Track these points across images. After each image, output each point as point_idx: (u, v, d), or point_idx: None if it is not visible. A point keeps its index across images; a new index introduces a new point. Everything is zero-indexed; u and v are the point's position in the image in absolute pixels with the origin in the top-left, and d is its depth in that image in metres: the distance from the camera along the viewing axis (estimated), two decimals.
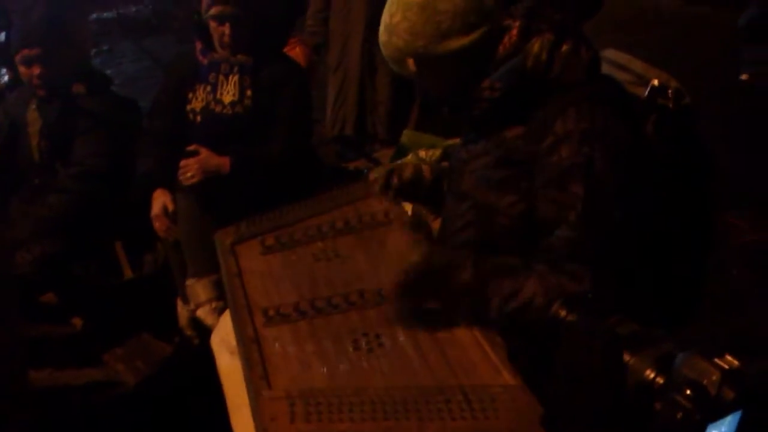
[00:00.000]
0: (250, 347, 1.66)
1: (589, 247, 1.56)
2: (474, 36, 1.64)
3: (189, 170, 2.89)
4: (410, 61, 1.69)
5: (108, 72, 4.37)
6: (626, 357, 1.10)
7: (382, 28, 1.72)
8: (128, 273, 3.22)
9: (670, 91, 1.70)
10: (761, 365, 1.04)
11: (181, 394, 2.78)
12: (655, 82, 1.71)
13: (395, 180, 2.01)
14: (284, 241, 2.07)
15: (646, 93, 1.71)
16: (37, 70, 3.01)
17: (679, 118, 1.71)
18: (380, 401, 1.44)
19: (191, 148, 2.92)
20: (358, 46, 4.39)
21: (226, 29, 2.86)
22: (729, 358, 1.01)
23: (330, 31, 4.49)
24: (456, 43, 1.64)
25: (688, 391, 0.99)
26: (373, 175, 2.27)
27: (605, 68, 1.76)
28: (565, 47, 1.63)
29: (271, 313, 1.76)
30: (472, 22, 1.63)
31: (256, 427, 1.45)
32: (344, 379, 1.53)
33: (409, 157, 2.92)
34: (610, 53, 1.85)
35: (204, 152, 2.90)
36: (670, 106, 1.70)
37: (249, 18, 2.88)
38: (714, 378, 0.99)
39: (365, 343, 1.63)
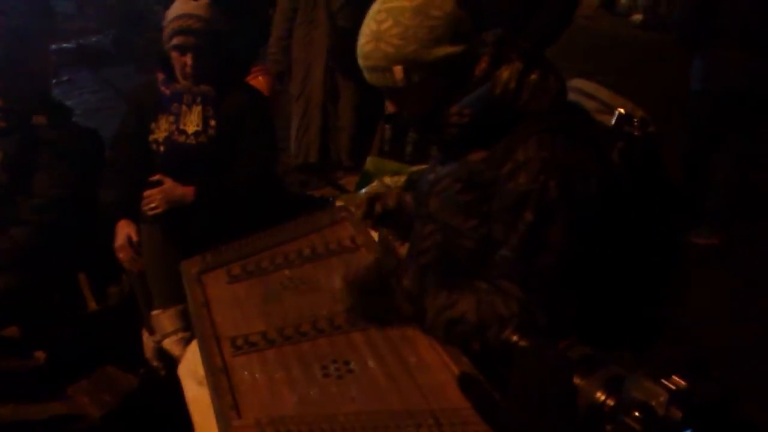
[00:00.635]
0: (219, 377, 1.66)
1: (524, 269, 1.61)
2: (461, 47, 1.66)
3: (153, 201, 2.88)
4: (397, 69, 1.66)
5: (68, 103, 4.35)
6: (577, 380, 1.12)
7: (365, 38, 1.69)
8: (92, 305, 3.19)
9: (636, 120, 1.75)
10: (710, 385, 1.06)
11: (149, 425, 2.75)
12: (622, 110, 1.75)
13: (378, 208, 2.04)
14: (251, 269, 2.07)
15: (613, 121, 1.75)
16: None
17: (645, 145, 1.76)
18: (351, 427, 1.45)
19: (155, 178, 2.92)
20: (321, 74, 4.42)
21: (188, 60, 2.86)
22: (676, 378, 1.03)
23: (292, 59, 4.52)
24: (447, 49, 1.65)
25: (637, 413, 1.02)
26: (340, 202, 2.29)
27: (573, 96, 1.80)
28: (533, 76, 1.67)
29: (239, 342, 1.76)
30: (460, 32, 1.66)
31: None
32: (314, 405, 1.53)
33: (375, 183, 2.94)
34: (577, 82, 1.90)
35: (168, 182, 2.89)
36: (636, 134, 1.75)
37: (211, 48, 2.89)
38: (661, 399, 1.02)
39: (334, 370, 1.64)
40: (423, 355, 1.66)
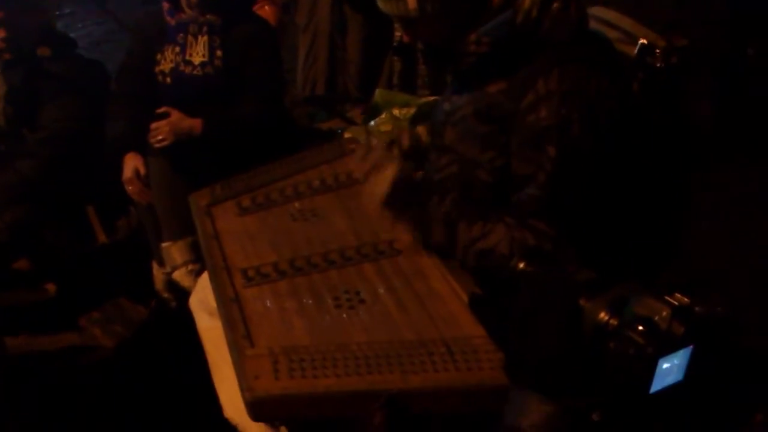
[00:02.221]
0: (231, 307, 1.66)
1: (554, 207, 1.59)
2: None
3: (160, 133, 2.86)
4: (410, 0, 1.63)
5: (72, 35, 4.29)
6: (582, 303, 1.13)
7: None
8: (102, 237, 3.20)
9: (658, 51, 1.71)
10: (712, 302, 1.07)
11: (161, 356, 2.78)
12: (644, 40, 1.71)
13: (395, 151, 2.03)
14: (260, 201, 2.06)
15: (636, 52, 1.71)
16: (1, 34, 2.95)
17: (667, 77, 1.72)
18: (363, 356, 1.45)
19: (162, 110, 2.89)
20: (328, 5, 4.35)
21: None
22: (679, 295, 1.05)
23: None
24: None
25: (640, 327, 1.03)
26: (348, 135, 2.26)
27: (594, 25, 1.75)
28: (555, 5, 1.61)
29: (251, 273, 1.76)
30: None
31: (240, 385, 1.45)
32: (326, 335, 1.54)
33: (384, 115, 2.91)
34: (597, 11, 1.85)
35: (175, 114, 2.87)
36: (658, 65, 1.71)
37: None
38: (664, 314, 1.04)
39: (346, 300, 1.64)
40: (434, 286, 1.67)
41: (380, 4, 1.71)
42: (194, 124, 2.86)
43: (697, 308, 1.04)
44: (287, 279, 1.74)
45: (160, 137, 2.86)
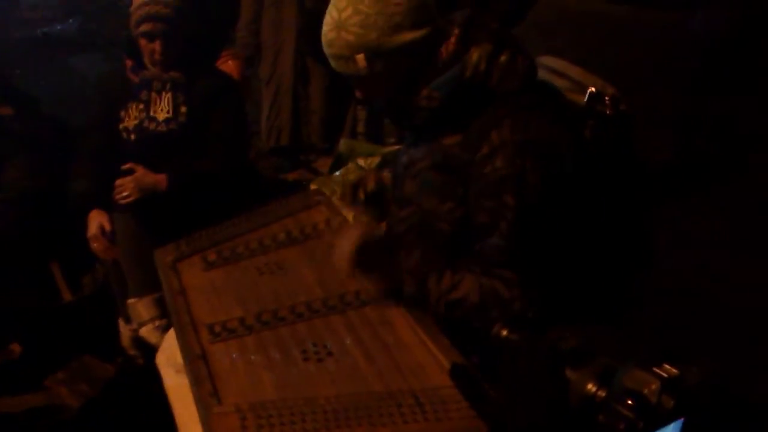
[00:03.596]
0: (197, 364, 1.65)
1: (518, 255, 1.62)
2: (423, 32, 1.65)
3: (125, 189, 2.86)
4: (359, 58, 1.65)
5: (35, 92, 4.29)
6: (568, 373, 1.12)
7: (327, 27, 1.68)
8: (67, 295, 3.17)
9: (607, 98, 1.75)
10: (700, 373, 1.07)
11: (128, 414, 2.74)
12: (593, 88, 1.75)
13: (361, 194, 2.04)
14: (226, 255, 2.06)
15: (585, 100, 1.75)
16: None
17: (617, 124, 1.76)
18: (332, 409, 1.45)
19: (126, 166, 2.89)
20: (291, 56, 4.39)
21: (157, 46, 2.83)
22: (667, 367, 1.04)
23: (261, 43, 4.48)
24: (407, 36, 1.63)
25: (630, 401, 1.02)
26: (314, 186, 2.28)
27: (543, 75, 1.80)
28: (503, 57, 1.66)
29: (217, 329, 1.75)
30: (421, 18, 1.64)
31: None
32: (294, 389, 1.53)
33: (349, 166, 2.94)
34: (546, 60, 1.89)
35: (140, 170, 2.87)
36: (608, 112, 1.75)
37: (179, 34, 2.86)
38: (654, 387, 1.02)
39: (314, 353, 1.64)
40: (401, 336, 1.67)
41: (331, 62, 1.74)
42: (159, 179, 2.86)
43: (686, 379, 1.03)
44: (254, 333, 1.73)
45: (125, 193, 2.85)
